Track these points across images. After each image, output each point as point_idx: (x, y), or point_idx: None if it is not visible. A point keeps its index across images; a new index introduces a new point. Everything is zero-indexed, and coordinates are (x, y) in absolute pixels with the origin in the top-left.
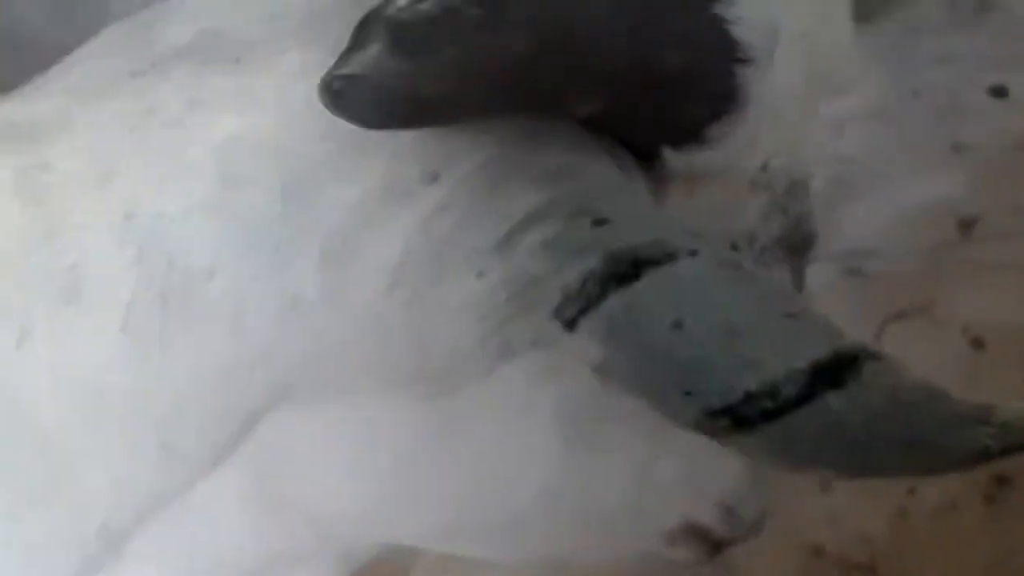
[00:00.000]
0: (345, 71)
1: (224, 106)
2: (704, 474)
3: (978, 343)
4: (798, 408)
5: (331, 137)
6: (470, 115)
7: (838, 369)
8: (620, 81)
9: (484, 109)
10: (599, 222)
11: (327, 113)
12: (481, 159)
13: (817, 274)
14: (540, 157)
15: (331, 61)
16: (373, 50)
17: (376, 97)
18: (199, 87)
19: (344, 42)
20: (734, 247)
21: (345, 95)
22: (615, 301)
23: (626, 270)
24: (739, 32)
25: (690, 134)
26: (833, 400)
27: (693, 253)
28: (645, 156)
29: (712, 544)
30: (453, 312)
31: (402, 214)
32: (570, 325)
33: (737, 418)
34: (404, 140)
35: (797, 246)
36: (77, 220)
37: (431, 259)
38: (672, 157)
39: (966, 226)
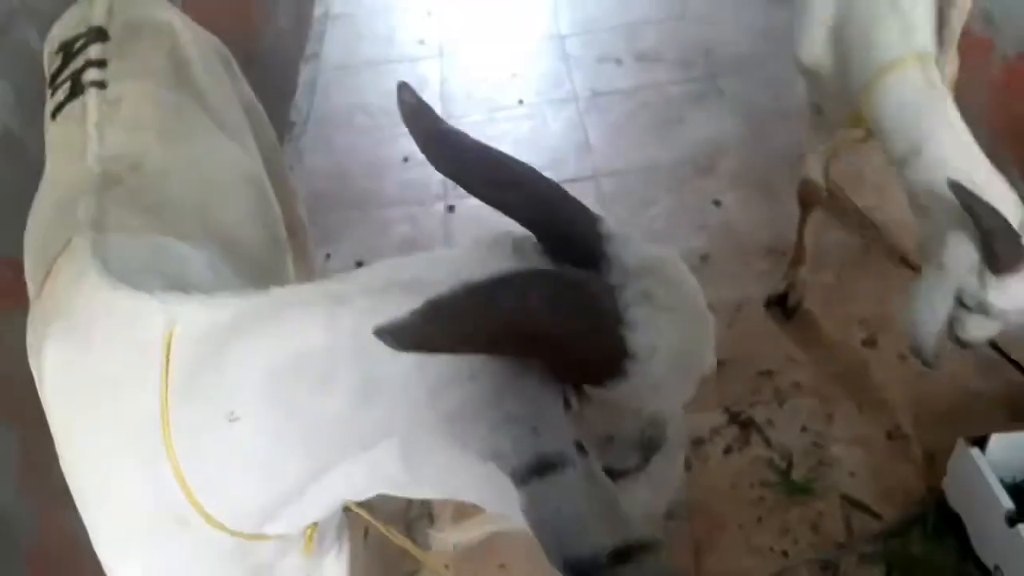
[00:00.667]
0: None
1: None
2: None
3: None
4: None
5: None
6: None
7: (627, 552)
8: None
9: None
10: (535, 431)
11: None
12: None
13: None
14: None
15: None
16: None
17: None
18: None
19: None
20: (609, 439)
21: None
22: (535, 484)
23: (541, 467)
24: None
25: (597, 382)
26: (620, 570)
27: (574, 464)
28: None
29: None
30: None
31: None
32: (517, 483)
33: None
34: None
35: (648, 448)
36: None
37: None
38: (589, 389)
39: None
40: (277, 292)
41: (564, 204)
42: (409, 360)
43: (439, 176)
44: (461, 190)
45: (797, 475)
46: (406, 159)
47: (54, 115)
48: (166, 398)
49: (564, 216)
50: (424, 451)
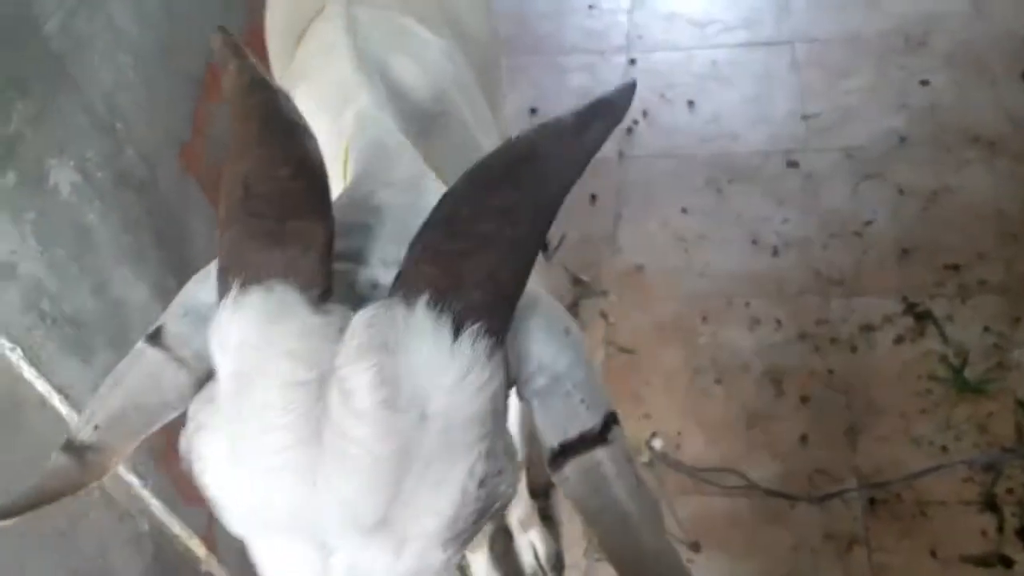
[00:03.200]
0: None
1: None
2: None
3: None
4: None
5: None
6: None
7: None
8: None
9: None
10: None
11: None
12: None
13: None
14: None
15: None
16: None
17: None
18: None
19: None
20: None
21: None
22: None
23: None
24: None
25: None
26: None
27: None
28: None
29: None
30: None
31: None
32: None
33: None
34: None
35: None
36: None
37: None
38: None
39: None
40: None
41: None
42: None
43: (623, 27)
44: (645, 42)
45: (971, 375)
46: (591, 6)
47: None
48: None
49: None
50: None
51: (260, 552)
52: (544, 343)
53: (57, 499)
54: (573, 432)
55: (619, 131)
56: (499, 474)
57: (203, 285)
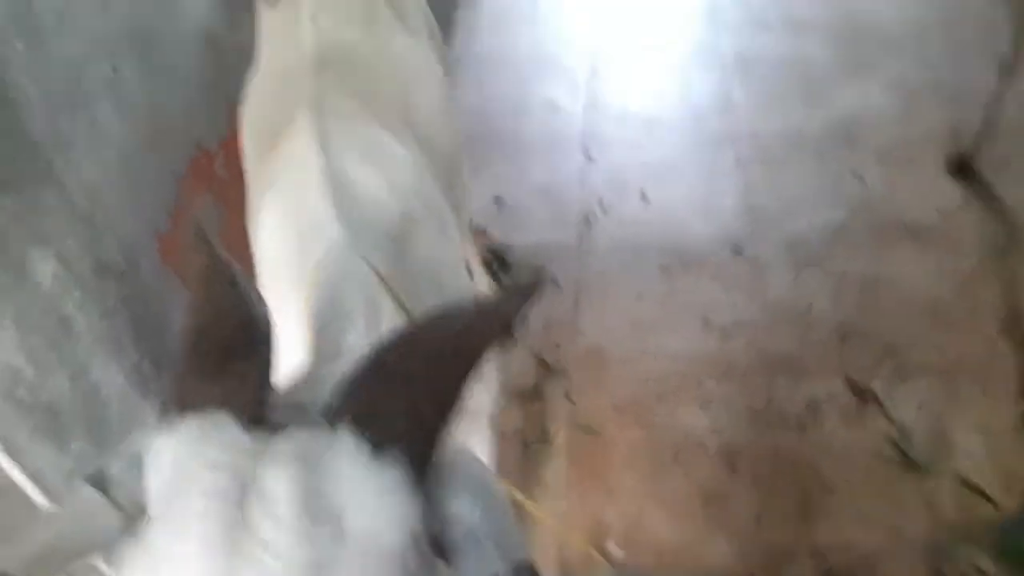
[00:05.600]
0: None
1: None
2: None
3: None
4: None
5: None
6: None
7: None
8: None
9: None
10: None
11: None
12: None
13: None
14: None
15: None
16: None
17: None
18: None
19: None
20: None
21: None
22: None
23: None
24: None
25: None
26: None
27: None
28: None
29: None
30: None
31: None
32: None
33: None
34: None
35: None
36: None
37: None
38: None
39: None
40: None
41: None
42: None
43: (578, 125)
44: (599, 139)
45: (914, 453)
46: (549, 105)
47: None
48: None
49: None
50: None
51: None
52: (460, 497)
53: None
54: None
55: (579, 222)
56: None
57: (151, 440)
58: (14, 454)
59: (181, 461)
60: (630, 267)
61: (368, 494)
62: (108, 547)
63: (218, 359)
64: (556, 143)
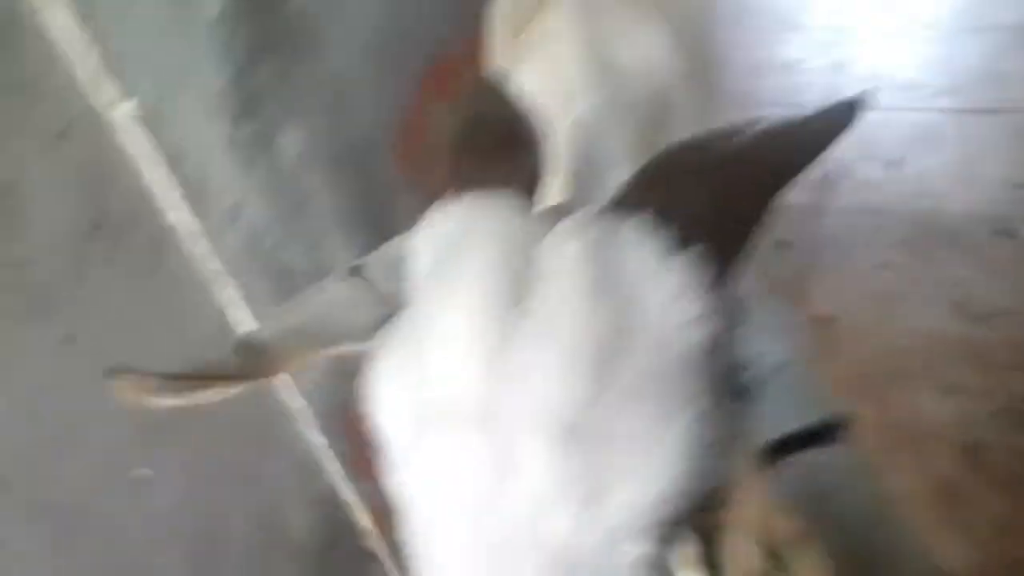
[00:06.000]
0: None
1: None
2: None
3: None
4: None
5: None
6: None
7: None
8: None
9: None
10: None
11: None
12: None
13: None
14: None
15: None
16: None
17: None
18: None
19: None
20: None
21: None
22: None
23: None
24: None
25: None
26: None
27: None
28: None
29: None
30: None
31: None
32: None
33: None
34: None
35: None
36: None
37: None
38: None
39: None
40: None
41: None
42: None
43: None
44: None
45: None
46: (795, 62)
47: None
48: None
49: None
50: None
51: (424, 465)
52: (767, 332)
53: (212, 386)
54: (791, 428)
55: (817, 184)
56: (715, 449)
57: (406, 244)
58: (252, 303)
59: (454, 236)
60: (872, 235)
61: (662, 289)
62: (366, 336)
63: (495, 146)
64: (797, 103)
